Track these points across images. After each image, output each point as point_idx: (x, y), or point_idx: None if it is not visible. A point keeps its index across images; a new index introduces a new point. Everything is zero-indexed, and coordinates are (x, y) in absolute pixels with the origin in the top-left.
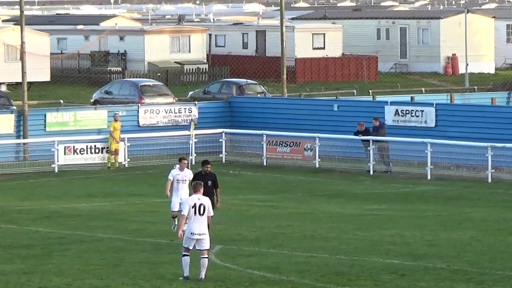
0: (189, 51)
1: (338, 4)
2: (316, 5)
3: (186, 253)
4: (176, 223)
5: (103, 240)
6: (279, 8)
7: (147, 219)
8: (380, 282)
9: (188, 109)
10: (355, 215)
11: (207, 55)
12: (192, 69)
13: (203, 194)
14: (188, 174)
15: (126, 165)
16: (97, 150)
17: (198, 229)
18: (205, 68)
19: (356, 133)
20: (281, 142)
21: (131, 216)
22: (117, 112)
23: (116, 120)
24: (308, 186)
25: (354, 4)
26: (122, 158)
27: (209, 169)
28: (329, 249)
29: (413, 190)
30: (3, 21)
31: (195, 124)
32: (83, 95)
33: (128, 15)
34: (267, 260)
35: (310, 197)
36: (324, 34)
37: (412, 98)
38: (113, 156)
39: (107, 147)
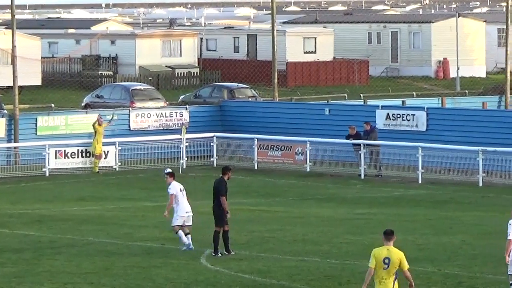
0: (180, 55)
1: (329, 8)
2: (307, 9)
3: None
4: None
5: (94, 244)
6: (270, 12)
7: (138, 223)
8: (370, 286)
9: (179, 113)
10: (346, 219)
11: (198, 59)
12: (183, 73)
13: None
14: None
15: (117, 169)
16: (88, 154)
17: None
18: (196, 72)
19: (347, 137)
20: (272, 146)
21: (122, 220)
22: (101, 117)
23: (100, 124)
24: (299, 190)
25: (345, 8)
26: (113, 162)
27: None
28: (320, 253)
29: (404, 194)
30: None
31: (186, 128)
32: (74, 99)
33: (119, 19)
34: (258, 264)
35: (301, 201)
36: (315, 38)
37: (403, 102)
38: (99, 160)
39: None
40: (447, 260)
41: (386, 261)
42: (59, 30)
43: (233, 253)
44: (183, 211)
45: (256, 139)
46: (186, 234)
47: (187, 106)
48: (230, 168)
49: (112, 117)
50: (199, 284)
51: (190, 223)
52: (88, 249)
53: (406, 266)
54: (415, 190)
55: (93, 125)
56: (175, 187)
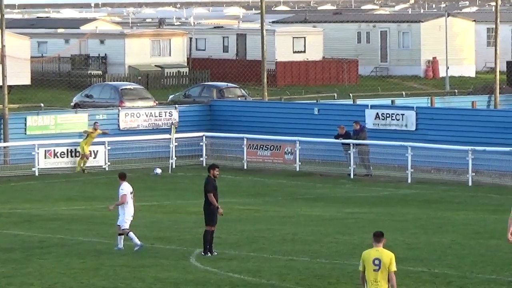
0: (170, 55)
1: (319, 8)
2: (296, 9)
3: None
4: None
5: (83, 243)
6: (259, 11)
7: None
8: (360, 286)
9: (169, 113)
10: (336, 219)
11: (187, 58)
12: (173, 72)
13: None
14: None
15: (107, 169)
16: (77, 154)
17: None
18: (186, 72)
19: (337, 137)
20: (262, 146)
21: (112, 220)
22: (97, 122)
23: (95, 129)
24: (288, 190)
25: (334, 7)
26: (102, 161)
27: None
28: (310, 252)
29: (393, 194)
30: None
31: (175, 128)
32: (63, 99)
33: (108, 19)
34: (247, 263)
35: (291, 200)
36: (304, 37)
37: (392, 101)
38: (84, 160)
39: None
40: (437, 259)
41: (377, 262)
42: (49, 29)
43: (215, 253)
44: (129, 215)
45: (246, 139)
46: (119, 235)
47: (177, 105)
48: (215, 165)
49: (102, 118)
50: (189, 283)
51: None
52: (78, 248)
53: (393, 268)
54: (404, 189)
55: (87, 131)
56: (127, 189)
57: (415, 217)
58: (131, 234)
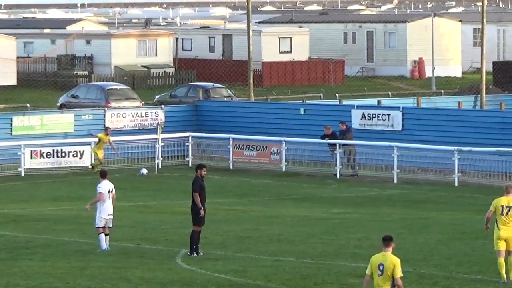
0: (156, 55)
1: (305, 8)
2: (283, 9)
3: None
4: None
5: (69, 243)
6: (245, 12)
7: (114, 223)
8: (346, 286)
9: (155, 113)
10: (322, 219)
11: (173, 59)
12: (159, 73)
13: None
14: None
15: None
16: (63, 154)
17: None
18: (172, 72)
19: (323, 137)
20: (248, 146)
21: None
22: (109, 127)
23: (107, 134)
24: (274, 190)
25: (320, 8)
26: (88, 162)
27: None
28: (296, 252)
29: (379, 194)
30: None
31: (162, 128)
32: (49, 99)
33: (94, 19)
34: (233, 264)
35: (277, 200)
36: (290, 37)
37: (378, 101)
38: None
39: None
40: (423, 260)
41: (381, 267)
42: (35, 30)
43: (201, 254)
44: (106, 213)
45: (232, 139)
46: (105, 235)
47: (163, 106)
48: (203, 165)
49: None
50: (175, 284)
51: (111, 225)
52: (64, 249)
53: (398, 274)
54: (390, 189)
55: (99, 137)
56: (105, 187)
57: (401, 217)
58: (102, 236)
